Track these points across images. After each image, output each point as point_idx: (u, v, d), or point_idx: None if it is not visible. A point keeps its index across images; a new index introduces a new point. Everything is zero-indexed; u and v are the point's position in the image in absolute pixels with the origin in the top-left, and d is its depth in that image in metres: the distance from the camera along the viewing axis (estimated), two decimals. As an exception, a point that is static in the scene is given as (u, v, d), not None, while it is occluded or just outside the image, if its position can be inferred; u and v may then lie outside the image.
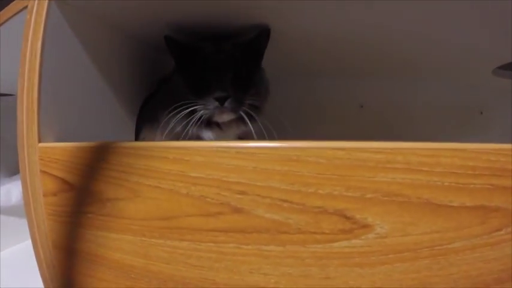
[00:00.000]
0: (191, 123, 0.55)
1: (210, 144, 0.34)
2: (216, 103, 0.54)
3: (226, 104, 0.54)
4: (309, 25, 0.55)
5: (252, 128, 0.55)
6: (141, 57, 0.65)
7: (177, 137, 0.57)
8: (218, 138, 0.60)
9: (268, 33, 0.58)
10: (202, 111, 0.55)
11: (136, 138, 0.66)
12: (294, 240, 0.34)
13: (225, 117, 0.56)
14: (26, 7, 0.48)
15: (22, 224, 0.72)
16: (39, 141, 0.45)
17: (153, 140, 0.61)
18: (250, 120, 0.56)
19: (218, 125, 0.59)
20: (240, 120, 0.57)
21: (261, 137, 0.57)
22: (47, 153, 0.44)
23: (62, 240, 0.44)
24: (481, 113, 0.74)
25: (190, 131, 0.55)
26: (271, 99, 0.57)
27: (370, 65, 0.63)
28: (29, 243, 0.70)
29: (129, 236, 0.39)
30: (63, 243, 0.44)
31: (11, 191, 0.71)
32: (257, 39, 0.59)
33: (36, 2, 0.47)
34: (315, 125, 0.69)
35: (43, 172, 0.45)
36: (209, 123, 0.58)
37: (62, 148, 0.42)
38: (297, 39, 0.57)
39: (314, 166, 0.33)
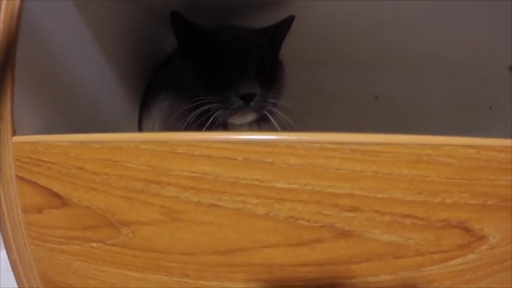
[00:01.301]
0: (199, 123, 0.23)
1: (309, 137, 0.10)
2: (241, 102, 0.22)
3: (252, 103, 0.23)
4: (328, 9, 0.28)
5: (278, 128, 0.25)
6: (144, 31, 0.30)
7: None
8: None
9: (292, 21, 0.27)
10: (220, 111, 0.22)
11: None
12: (409, 265, 0.12)
13: (248, 118, 0.24)
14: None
15: None
16: (14, 134, 0.16)
17: None
18: (270, 120, 0.25)
19: (225, 125, 0.25)
20: (253, 120, 0.25)
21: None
22: (24, 151, 0.15)
23: (54, 273, 0.16)
24: (490, 107, 0.43)
25: None
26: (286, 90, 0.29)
27: (386, 56, 0.38)
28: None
29: (160, 276, 0.13)
30: (56, 277, 0.16)
31: None
32: (281, 26, 0.27)
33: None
34: (329, 115, 0.39)
35: (20, 178, 0.16)
36: (218, 123, 0.24)
37: (48, 144, 0.14)
38: (313, 24, 0.30)
39: (445, 169, 0.12)
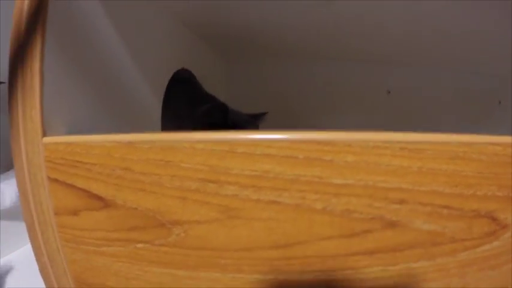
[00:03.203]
0: None
1: (364, 136, 0.11)
2: None
3: None
4: (342, 4, 0.28)
5: None
6: (170, 35, 0.29)
7: None
8: None
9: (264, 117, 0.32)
10: None
11: None
12: (445, 252, 0.13)
13: None
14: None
15: (20, 228, 0.34)
16: (44, 134, 0.15)
17: None
18: None
19: None
20: None
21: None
22: (58, 152, 0.14)
23: (90, 276, 0.15)
24: (500, 102, 0.42)
25: None
26: (298, 85, 0.32)
27: (398, 52, 0.38)
28: (29, 247, 0.33)
29: (213, 273, 0.13)
30: (92, 280, 0.15)
31: (5, 192, 0.32)
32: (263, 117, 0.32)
33: None
34: (342, 109, 0.40)
35: (53, 180, 0.15)
36: None
37: (87, 145, 0.13)
38: (327, 20, 0.30)
39: (477, 164, 0.12)
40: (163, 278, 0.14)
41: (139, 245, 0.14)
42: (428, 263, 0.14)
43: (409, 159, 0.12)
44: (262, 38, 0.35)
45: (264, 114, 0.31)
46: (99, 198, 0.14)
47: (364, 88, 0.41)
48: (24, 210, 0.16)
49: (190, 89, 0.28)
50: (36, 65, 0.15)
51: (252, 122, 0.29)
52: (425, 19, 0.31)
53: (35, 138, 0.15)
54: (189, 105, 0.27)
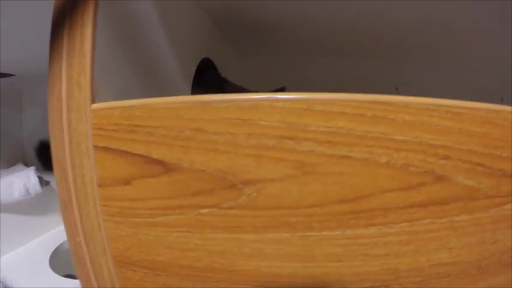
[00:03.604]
0: None
1: (418, 100, 0.13)
2: None
3: None
4: (353, 3, 0.30)
5: None
6: (200, 27, 0.30)
7: None
8: None
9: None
10: None
11: None
12: (480, 207, 0.15)
13: None
14: None
15: (24, 223, 0.31)
16: (92, 101, 0.14)
17: None
18: None
19: None
20: None
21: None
22: (113, 117, 0.14)
23: (136, 252, 0.14)
24: (502, 100, 0.41)
25: None
26: (308, 80, 0.33)
27: (406, 50, 0.40)
28: (32, 244, 0.32)
29: (282, 233, 0.13)
30: (138, 257, 0.14)
31: (13, 184, 0.29)
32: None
33: None
34: None
35: (102, 149, 0.14)
36: None
37: (150, 107, 0.13)
38: (337, 17, 0.32)
39: (502, 129, 0.15)
40: (227, 244, 0.14)
41: (204, 211, 0.13)
42: (467, 217, 0.15)
43: (452, 120, 0.14)
44: (275, 33, 0.36)
45: (282, 89, 0.31)
46: (159, 163, 0.13)
47: (373, 84, 0.43)
48: (60, 185, 0.14)
49: (213, 73, 0.30)
50: (87, 30, 0.14)
51: None
52: (433, 18, 0.33)
53: (82, 105, 0.14)
54: (211, 88, 0.29)
